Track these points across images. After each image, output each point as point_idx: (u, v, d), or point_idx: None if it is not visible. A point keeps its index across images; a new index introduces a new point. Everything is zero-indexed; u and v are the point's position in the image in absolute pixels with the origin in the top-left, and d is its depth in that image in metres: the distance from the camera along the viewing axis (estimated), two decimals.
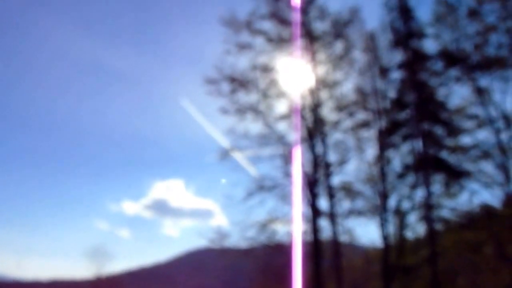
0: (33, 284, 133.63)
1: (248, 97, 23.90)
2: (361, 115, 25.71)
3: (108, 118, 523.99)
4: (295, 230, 21.13)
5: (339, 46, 24.64)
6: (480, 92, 24.02)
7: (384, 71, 26.18)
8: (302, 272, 19.08)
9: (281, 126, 23.92)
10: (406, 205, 24.59)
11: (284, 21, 24.08)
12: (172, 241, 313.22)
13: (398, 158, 25.38)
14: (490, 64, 23.62)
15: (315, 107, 24.08)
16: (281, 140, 23.59)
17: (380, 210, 24.34)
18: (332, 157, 24.39)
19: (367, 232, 35.31)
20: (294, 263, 19.29)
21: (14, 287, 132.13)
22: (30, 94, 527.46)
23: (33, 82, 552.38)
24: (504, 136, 23.16)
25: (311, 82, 23.88)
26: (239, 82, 23.62)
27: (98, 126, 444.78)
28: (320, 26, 24.75)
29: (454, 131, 24.69)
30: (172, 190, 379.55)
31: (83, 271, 78.36)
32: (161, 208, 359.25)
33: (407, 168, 24.96)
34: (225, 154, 23.56)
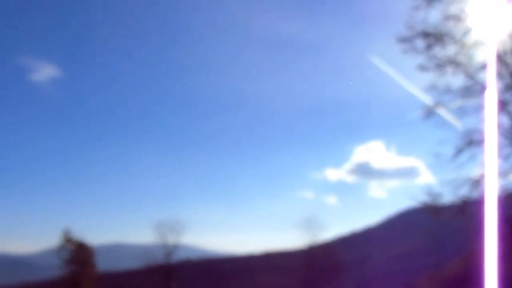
0: (246, 258, 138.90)
1: (445, 51, 22.84)
2: None
3: (303, 87, 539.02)
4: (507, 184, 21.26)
5: None
6: None
7: None
8: None
9: (483, 76, 22.34)
10: None
11: None
12: (380, 203, 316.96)
13: None
14: None
15: None
16: (485, 90, 21.92)
17: None
18: None
19: None
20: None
21: (229, 262, 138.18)
22: (220, 74, 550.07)
23: (223, 62, 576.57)
24: None
25: (509, 25, 21.87)
26: (433, 37, 22.82)
27: (293, 97, 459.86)
28: None
29: None
30: (373, 152, 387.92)
31: (295, 241, 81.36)
32: (364, 171, 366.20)
33: None
34: (428, 111, 23.16)
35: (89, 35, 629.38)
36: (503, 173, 21.72)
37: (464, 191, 22.41)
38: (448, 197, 22.76)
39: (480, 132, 22.23)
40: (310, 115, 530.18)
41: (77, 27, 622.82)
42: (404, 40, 23.13)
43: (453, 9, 22.43)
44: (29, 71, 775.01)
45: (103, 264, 72.45)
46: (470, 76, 22.78)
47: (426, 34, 22.81)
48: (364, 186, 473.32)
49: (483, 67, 22.35)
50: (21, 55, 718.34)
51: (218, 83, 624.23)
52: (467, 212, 22.98)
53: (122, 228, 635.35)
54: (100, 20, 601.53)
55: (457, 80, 22.98)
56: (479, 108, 22.32)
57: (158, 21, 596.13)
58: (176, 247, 66.33)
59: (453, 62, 22.81)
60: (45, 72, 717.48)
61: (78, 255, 59.47)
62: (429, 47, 22.95)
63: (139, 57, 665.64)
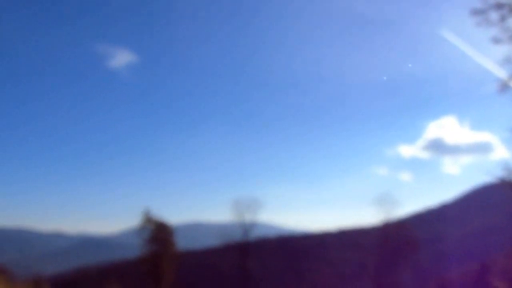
0: (321, 235, 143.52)
1: None
2: None
3: (377, 64, 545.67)
4: None
5: None
6: None
7: None
8: None
9: None
10: None
11: None
12: (454, 179, 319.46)
13: None
14: None
15: None
16: None
17: None
18: None
19: None
20: None
21: (304, 239, 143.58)
22: (296, 53, 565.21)
23: (299, 41, 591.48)
24: None
25: None
26: (507, 7, 21.74)
27: (366, 74, 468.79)
28: None
29: None
30: (446, 127, 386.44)
31: (370, 218, 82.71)
32: (438, 147, 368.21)
33: None
34: (503, 85, 21.95)
35: (164, 21, 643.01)
36: None
37: None
38: None
39: None
40: (383, 92, 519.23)
41: (153, 14, 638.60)
42: (477, 12, 22.16)
43: None
44: (106, 58, 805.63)
45: (182, 243, 74.51)
46: None
47: (499, 5, 21.76)
48: (438, 162, 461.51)
49: None
50: (99, 42, 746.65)
51: (294, 62, 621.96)
52: None
53: (201, 207, 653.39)
54: (175, 6, 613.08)
55: None
56: None
57: (232, 2, 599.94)
58: (252, 225, 66.97)
59: None
60: (121, 59, 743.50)
61: (158, 234, 61.06)
62: (503, 18, 21.93)
63: (214, 40, 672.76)
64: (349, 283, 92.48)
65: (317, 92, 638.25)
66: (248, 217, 66.71)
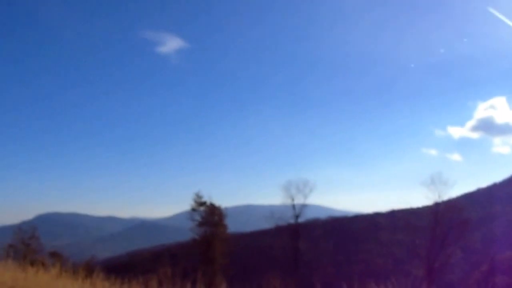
0: (373, 216, 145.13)
1: None
2: None
3: (426, 45, 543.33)
4: None
5: None
6: None
7: None
8: None
9: None
10: None
11: None
12: (505, 159, 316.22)
13: None
14: None
15: None
16: None
17: None
18: None
19: None
20: None
21: (355, 221, 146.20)
22: (347, 34, 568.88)
23: (350, 23, 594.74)
24: None
25: None
26: None
27: (416, 55, 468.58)
28: None
29: None
30: (496, 108, 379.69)
31: (421, 199, 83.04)
32: (488, 127, 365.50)
33: None
34: None
35: (212, 7, 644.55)
36: None
37: None
38: None
39: None
40: (432, 72, 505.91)
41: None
42: None
43: None
44: (157, 44, 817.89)
45: (234, 226, 74.75)
46: None
47: None
48: (488, 143, 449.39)
49: None
50: (149, 29, 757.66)
51: (345, 43, 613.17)
52: None
53: (252, 190, 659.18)
54: None
55: None
56: None
57: None
58: (303, 207, 66.29)
59: None
60: (171, 44, 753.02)
61: (210, 217, 61.13)
62: None
63: (263, 23, 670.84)
64: (400, 264, 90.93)
65: (367, 74, 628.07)
66: (299, 199, 66.29)
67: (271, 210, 67.68)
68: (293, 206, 66.26)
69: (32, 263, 11.25)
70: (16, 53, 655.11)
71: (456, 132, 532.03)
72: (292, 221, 66.65)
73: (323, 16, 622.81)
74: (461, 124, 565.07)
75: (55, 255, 45.99)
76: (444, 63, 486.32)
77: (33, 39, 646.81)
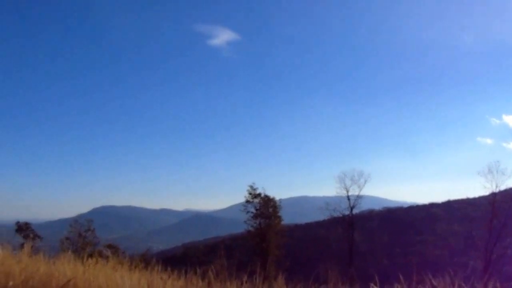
0: (429, 207, 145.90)
1: None
2: None
3: (480, 32, 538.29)
4: None
5: None
6: None
7: None
8: None
9: None
10: None
11: None
12: None
13: None
14: None
15: None
16: None
17: None
18: None
19: None
20: None
21: (410, 211, 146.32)
22: (402, 23, 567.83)
23: (404, 10, 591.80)
24: None
25: None
26: None
27: (471, 43, 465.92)
28: None
29: None
30: None
31: (478, 189, 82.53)
32: None
33: None
34: None
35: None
36: None
37: None
38: None
39: None
40: (488, 61, 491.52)
41: None
42: None
43: None
44: (209, 37, 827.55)
45: (289, 217, 74.60)
46: None
47: None
48: None
49: None
50: (201, 22, 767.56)
51: (400, 33, 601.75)
52: None
53: (307, 182, 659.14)
54: None
55: None
56: None
57: None
58: (358, 198, 65.57)
59: None
60: (223, 37, 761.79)
61: (265, 209, 61.12)
62: None
63: (315, 14, 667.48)
64: (457, 256, 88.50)
65: (421, 63, 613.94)
66: (353, 190, 65.64)
67: (326, 202, 67.28)
68: (348, 197, 65.74)
69: (90, 255, 11.46)
70: (67, 47, 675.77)
71: None
72: (347, 212, 66.12)
73: (377, 5, 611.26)
74: None
75: (111, 248, 46.94)
76: (499, 50, 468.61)
77: (86, 34, 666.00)
